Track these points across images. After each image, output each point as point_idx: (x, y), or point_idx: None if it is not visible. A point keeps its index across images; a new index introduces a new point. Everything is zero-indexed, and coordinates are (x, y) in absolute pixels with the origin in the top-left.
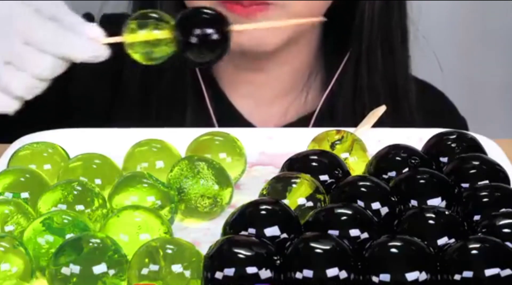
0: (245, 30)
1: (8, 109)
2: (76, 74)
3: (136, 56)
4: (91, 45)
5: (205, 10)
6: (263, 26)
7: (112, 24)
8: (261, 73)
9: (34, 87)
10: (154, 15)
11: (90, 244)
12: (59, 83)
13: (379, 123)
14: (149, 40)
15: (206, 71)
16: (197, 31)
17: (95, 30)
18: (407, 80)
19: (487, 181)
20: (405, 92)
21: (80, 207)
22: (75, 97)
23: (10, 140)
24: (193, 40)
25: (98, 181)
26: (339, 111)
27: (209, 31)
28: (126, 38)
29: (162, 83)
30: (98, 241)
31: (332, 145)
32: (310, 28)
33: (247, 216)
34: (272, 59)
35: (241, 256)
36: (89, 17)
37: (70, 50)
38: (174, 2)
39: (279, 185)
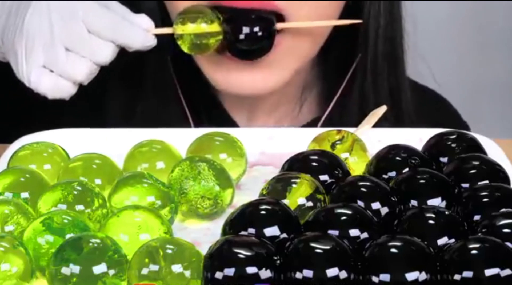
0: (288, 29)
1: (67, 94)
2: None
3: (184, 47)
4: (145, 35)
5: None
6: (307, 25)
7: None
8: None
9: (93, 73)
10: (203, 9)
11: (90, 244)
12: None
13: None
14: (198, 33)
15: (204, 82)
16: (246, 29)
17: (147, 21)
18: (407, 88)
19: (487, 181)
20: (407, 104)
21: (80, 207)
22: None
23: (10, 140)
24: (242, 36)
25: (98, 181)
26: (344, 122)
27: (256, 28)
28: (176, 29)
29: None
30: (98, 241)
31: (333, 145)
32: (311, 60)
33: (247, 216)
34: None
35: (241, 256)
36: None
37: (127, 38)
38: (156, 3)
39: (279, 185)
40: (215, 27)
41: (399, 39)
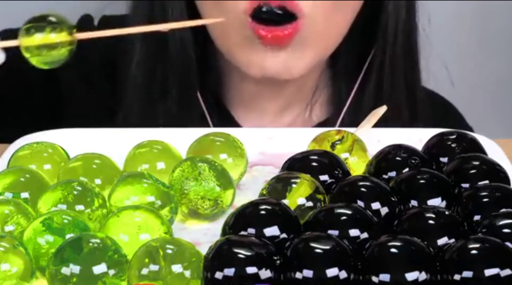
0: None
1: None
2: (66, 78)
3: (33, 60)
4: None
5: None
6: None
7: (111, 26)
8: (267, 86)
9: None
10: (50, 18)
11: (90, 244)
12: (50, 88)
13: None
14: (46, 44)
15: (209, 85)
16: None
17: None
18: (422, 91)
19: (487, 181)
20: (422, 104)
21: (80, 207)
22: (68, 101)
23: (10, 140)
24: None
25: (98, 181)
26: (359, 120)
27: None
28: (22, 41)
29: (167, 103)
30: (98, 241)
31: (333, 145)
32: (335, 46)
33: (246, 216)
34: None
35: (241, 256)
36: (88, 19)
37: None
38: (185, 3)
39: (279, 185)
40: (65, 37)
41: (415, 34)
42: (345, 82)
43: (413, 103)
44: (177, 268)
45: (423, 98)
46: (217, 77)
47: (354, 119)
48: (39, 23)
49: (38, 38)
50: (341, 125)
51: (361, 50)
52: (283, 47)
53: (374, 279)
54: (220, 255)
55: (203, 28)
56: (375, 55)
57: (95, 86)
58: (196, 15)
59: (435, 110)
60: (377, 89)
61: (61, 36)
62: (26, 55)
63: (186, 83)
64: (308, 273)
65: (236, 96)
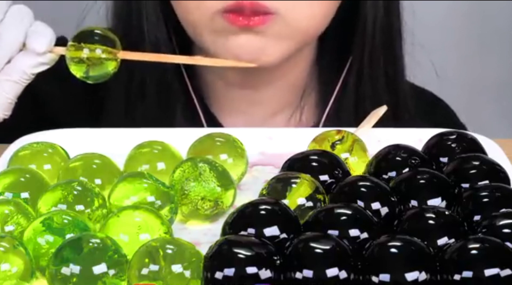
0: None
1: None
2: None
3: (77, 73)
4: None
5: None
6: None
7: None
8: (253, 90)
9: None
10: (99, 32)
11: (90, 244)
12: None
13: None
14: (93, 57)
15: (195, 89)
16: None
17: None
18: (406, 87)
19: (487, 181)
20: (405, 100)
21: (80, 207)
22: (52, 110)
23: (10, 140)
24: None
25: (98, 181)
26: (342, 118)
27: None
28: (69, 53)
29: (147, 103)
30: (98, 241)
31: (333, 145)
32: (311, 41)
33: (246, 216)
34: (267, 75)
35: (241, 256)
36: (62, 43)
37: None
38: (158, 3)
39: (279, 185)
40: (110, 52)
41: (396, 31)
42: (331, 84)
43: (395, 99)
44: (177, 268)
45: (409, 94)
46: (203, 84)
47: (338, 118)
48: (88, 36)
49: (86, 52)
50: (325, 125)
51: (344, 51)
52: (255, 28)
53: (374, 279)
54: (220, 255)
55: (180, 29)
56: (355, 52)
57: (77, 94)
58: (170, 14)
59: (423, 106)
60: (357, 87)
61: (107, 51)
62: (71, 66)
63: (164, 86)
64: (308, 273)
65: (223, 102)
